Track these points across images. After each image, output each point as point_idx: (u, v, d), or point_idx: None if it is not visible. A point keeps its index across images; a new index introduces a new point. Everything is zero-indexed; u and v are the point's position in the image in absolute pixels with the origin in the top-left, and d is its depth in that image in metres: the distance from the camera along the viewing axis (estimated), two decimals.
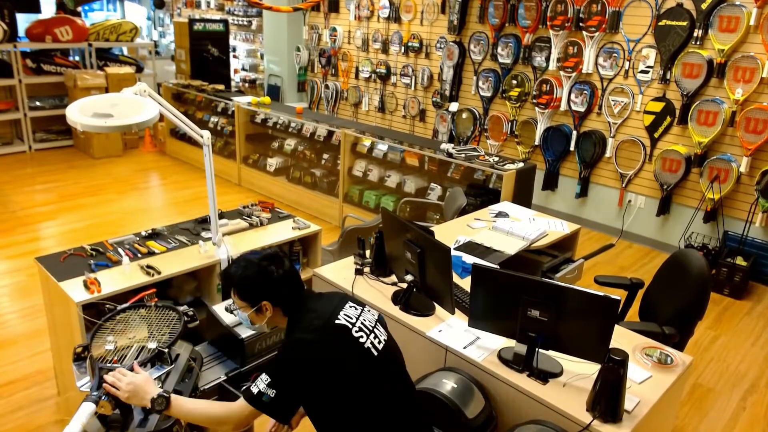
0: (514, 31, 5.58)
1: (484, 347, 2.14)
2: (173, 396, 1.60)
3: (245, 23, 8.79)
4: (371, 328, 1.70)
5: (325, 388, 1.58)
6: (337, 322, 1.63)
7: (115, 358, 1.78)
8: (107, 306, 2.00)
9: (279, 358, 1.63)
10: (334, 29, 7.28)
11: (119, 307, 1.96)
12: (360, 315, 1.71)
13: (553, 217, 3.51)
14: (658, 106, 4.76)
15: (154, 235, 2.92)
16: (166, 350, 1.77)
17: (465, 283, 2.51)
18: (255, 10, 8.54)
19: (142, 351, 1.79)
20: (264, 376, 1.57)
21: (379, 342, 1.69)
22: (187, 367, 1.79)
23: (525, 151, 5.71)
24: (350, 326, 1.64)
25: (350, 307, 1.72)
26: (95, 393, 1.57)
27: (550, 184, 5.59)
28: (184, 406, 1.60)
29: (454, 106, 6.15)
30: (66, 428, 1.44)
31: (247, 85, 8.98)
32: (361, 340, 1.64)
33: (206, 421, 1.64)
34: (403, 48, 6.58)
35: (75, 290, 2.35)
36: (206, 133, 2.60)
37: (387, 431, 1.67)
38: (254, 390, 1.56)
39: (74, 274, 2.46)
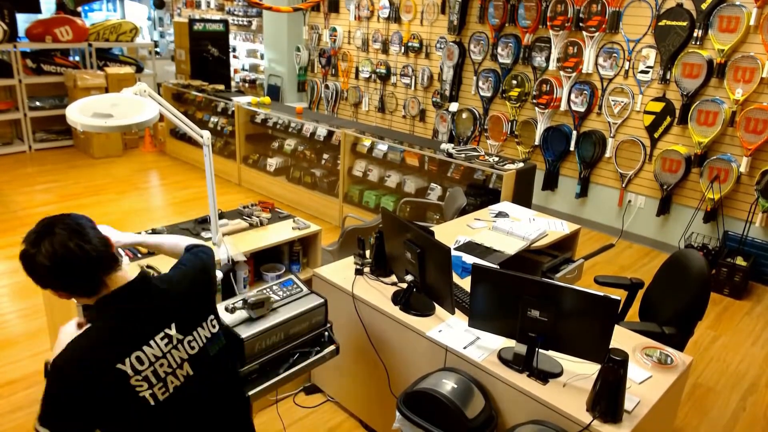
0: (514, 31, 5.58)
1: (484, 347, 2.14)
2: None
3: (245, 23, 8.79)
4: (169, 372, 1.45)
5: (97, 424, 1.38)
6: (118, 366, 1.36)
7: None
8: None
9: (45, 392, 1.35)
10: (334, 29, 7.28)
11: None
12: (165, 354, 1.44)
13: (553, 217, 3.51)
14: (658, 106, 4.76)
15: (154, 235, 2.91)
16: None
17: (465, 283, 2.51)
18: (255, 11, 8.54)
19: None
20: (38, 413, 1.36)
21: (166, 390, 1.44)
22: None
23: (525, 151, 5.71)
24: (131, 374, 1.37)
25: (162, 339, 1.44)
26: None
27: (550, 184, 5.59)
28: None
29: (454, 106, 6.15)
30: None
31: (247, 85, 8.99)
32: (138, 389, 1.39)
33: None
34: (403, 48, 6.58)
35: None
36: (206, 133, 2.60)
37: None
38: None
39: None
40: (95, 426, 1.39)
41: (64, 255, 1.36)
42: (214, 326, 1.60)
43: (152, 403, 1.42)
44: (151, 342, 1.42)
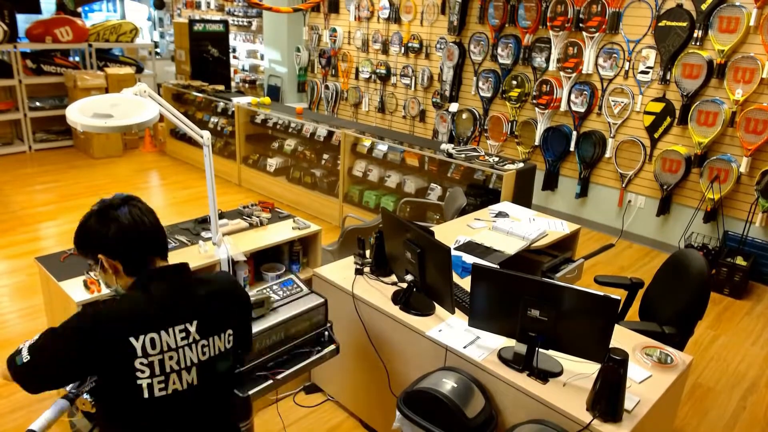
0: (514, 31, 5.58)
1: (484, 347, 2.14)
2: None
3: (245, 24, 8.80)
4: (176, 370, 1.42)
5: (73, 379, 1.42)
6: (131, 339, 1.35)
7: None
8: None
9: (56, 329, 1.38)
10: (334, 30, 7.28)
11: None
12: (177, 348, 1.41)
13: (553, 217, 3.51)
14: (658, 107, 4.76)
15: None
16: None
17: (465, 283, 2.51)
18: (255, 11, 8.54)
19: None
20: (31, 340, 1.40)
21: (165, 388, 1.41)
22: None
23: (525, 152, 5.71)
24: (140, 355, 1.36)
25: (181, 331, 1.42)
26: (74, 390, 1.53)
27: (550, 184, 5.59)
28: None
29: (454, 107, 6.15)
30: (33, 424, 1.42)
31: (247, 85, 8.99)
32: (138, 374, 1.37)
33: None
34: (403, 48, 6.58)
35: (75, 290, 2.35)
36: (206, 134, 2.60)
37: None
38: (17, 348, 1.41)
39: (74, 274, 2.46)
40: (65, 382, 1.41)
41: (142, 222, 1.45)
42: (229, 342, 1.54)
43: (145, 395, 1.39)
44: (170, 330, 1.41)
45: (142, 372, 1.37)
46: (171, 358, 1.40)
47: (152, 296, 1.43)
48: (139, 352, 1.36)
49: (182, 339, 1.42)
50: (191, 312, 1.46)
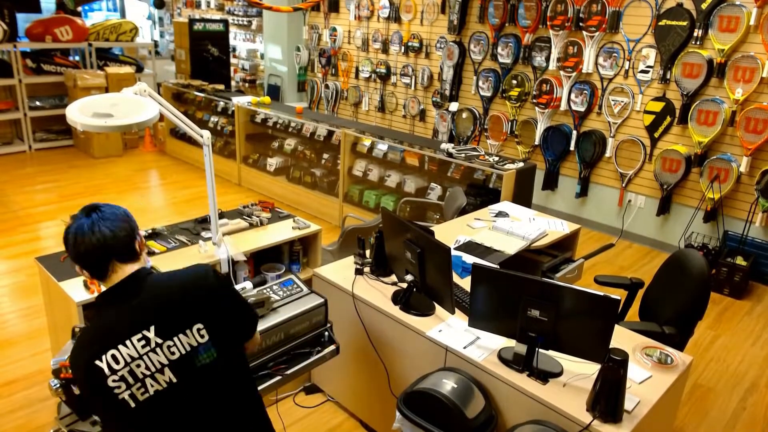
0: (514, 31, 5.58)
1: (484, 347, 2.14)
2: None
3: (245, 23, 8.79)
4: (148, 374, 1.45)
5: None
6: (96, 363, 1.41)
7: None
8: None
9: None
10: (334, 29, 7.28)
11: None
12: (141, 356, 1.45)
13: (553, 217, 3.51)
14: (658, 106, 4.76)
15: (154, 235, 2.92)
16: None
17: (465, 283, 2.51)
18: (255, 10, 8.53)
19: None
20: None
21: (145, 392, 1.45)
22: None
23: (525, 151, 5.71)
24: (109, 374, 1.41)
25: (139, 340, 1.45)
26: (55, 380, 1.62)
27: (550, 183, 5.59)
28: None
29: (454, 106, 6.15)
30: None
31: (247, 84, 8.98)
32: (117, 390, 1.42)
33: None
34: (403, 48, 6.58)
35: (75, 290, 2.35)
36: (206, 133, 2.59)
37: None
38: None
39: (74, 274, 2.46)
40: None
41: (91, 234, 1.50)
42: (202, 336, 1.52)
43: (132, 404, 1.44)
44: (127, 342, 1.45)
45: (119, 387, 1.43)
46: (138, 366, 1.45)
47: (105, 318, 1.50)
48: (107, 371, 1.42)
49: (143, 347, 1.45)
50: (146, 319, 1.48)
